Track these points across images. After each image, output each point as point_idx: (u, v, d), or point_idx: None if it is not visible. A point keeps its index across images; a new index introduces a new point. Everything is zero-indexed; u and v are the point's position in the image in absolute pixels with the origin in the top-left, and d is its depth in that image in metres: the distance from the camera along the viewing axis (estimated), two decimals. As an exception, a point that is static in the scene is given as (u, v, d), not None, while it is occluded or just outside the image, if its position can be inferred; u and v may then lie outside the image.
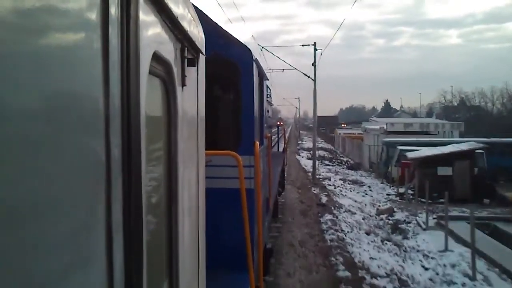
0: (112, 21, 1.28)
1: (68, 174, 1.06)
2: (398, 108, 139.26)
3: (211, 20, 5.98)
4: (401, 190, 22.82)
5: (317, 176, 28.19)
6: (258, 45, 27.63)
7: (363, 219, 17.12)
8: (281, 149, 20.99)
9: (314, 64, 27.52)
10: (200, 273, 2.84)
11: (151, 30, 1.70)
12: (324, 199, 20.33)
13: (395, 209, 18.77)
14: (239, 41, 6.26)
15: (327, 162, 39.63)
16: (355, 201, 20.98)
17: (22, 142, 0.88)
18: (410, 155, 23.58)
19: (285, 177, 22.68)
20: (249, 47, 6.31)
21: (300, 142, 74.67)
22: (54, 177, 0.99)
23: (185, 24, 2.23)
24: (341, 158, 47.35)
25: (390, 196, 22.97)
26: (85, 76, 1.16)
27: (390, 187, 25.78)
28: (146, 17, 1.61)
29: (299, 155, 48.87)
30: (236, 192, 4.90)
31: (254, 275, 5.33)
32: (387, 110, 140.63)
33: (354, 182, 28.22)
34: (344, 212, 17.83)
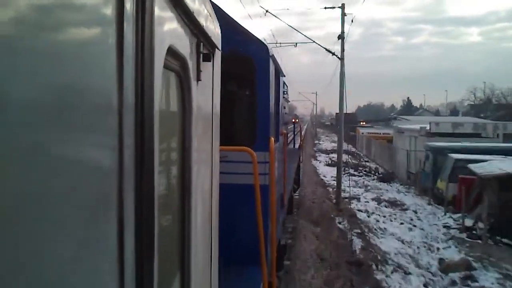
0: (127, 16, 1.29)
1: (81, 168, 1.07)
2: (417, 106, 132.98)
3: (228, 15, 5.98)
4: (468, 221, 15.54)
5: (342, 194, 20.61)
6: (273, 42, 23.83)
7: (425, 286, 10.56)
8: (297, 146, 20.94)
9: (341, 36, 19.87)
10: (213, 268, 2.85)
11: (166, 25, 1.71)
12: (357, 245, 13.27)
13: (472, 264, 11.43)
14: (256, 37, 6.26)
15: (352, 171, 29.50)
16: (402, 242, 14.38)
17: (36, 136, 0.89)
18: (477, 169, 16.28)
19: (300, 181, 19.99)
20: (265, 43, 6.30)
21: (317, 142, 67.61)
22: (66, 170, 1.00)
23: (201, 19, 2.24)
24: (367, 163, 38.86)
25: (451, 231, 15.68)
26: (100, 71, 1.17)
27: (444, 213, 18.39)
28: (162, 11, 1.62)
29: (316, 159, 40.49)
30: (251, 188, 4.91)
31: (267, 271, 5.33)
32: (408, 108, 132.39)
33: (393, 203, 20.83)
34: (393, 272, 11.23)
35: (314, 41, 20.80)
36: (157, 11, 1.51)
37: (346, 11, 20.13)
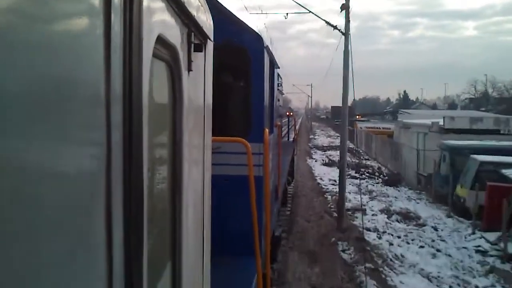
0: (114, 7, 1.27)
1: (66, 162, 1.05)
2: (413, 100, 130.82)
3: (222, 6, 5.95)
4: (511, 247, 12.05)
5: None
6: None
7: None
8: (291, 139, 20.96)
9: (346, 6, 15.73)
10: (205, 259, 2.85)
11: (155, 15, 1.68)
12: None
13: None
14: (250, 28, 6.23)
15: (352, 173, 25.27)
16: (428, 278, 10.95)
17: (18, 129, 0.87)
18: None
19: (292, 186, 18.28)
20: (260, 33, 6.27)
21: (312, 137, 62.18)
22: (53, 164, 0.99)
23: (192, 9, 2.22)
24: (368, 162, 34.46)
25: (488, 259, 12.15)
26: (87, 62, 1.15)
27: (472, 231, 14.53)
28: (151, 1, 1.60)
29: (311, 158, 35.06)
30: (245, 179, 4.90)
31: (262, 262, 5.35)
32: (405, 102, 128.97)
33: (405, 216, 17.05)
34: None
35: (309, 11, 16.88)
36: (145, 1, 1.49)
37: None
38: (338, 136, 45.95)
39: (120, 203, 1.34)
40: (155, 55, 1.70)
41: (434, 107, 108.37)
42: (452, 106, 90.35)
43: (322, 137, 62.76)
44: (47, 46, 0.96)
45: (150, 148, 1.65)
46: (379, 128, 46.61)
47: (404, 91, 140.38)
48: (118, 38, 1.31)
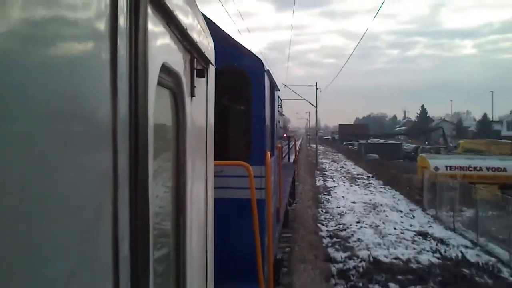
0: (120, 32, 1.29)
1: (75, 185, 1.06)
2: (430, 117, 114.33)
3: (222, 30, 6.02)
4: None
5: None
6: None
7: None
8: (291, 160, 20.96)
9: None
10: (209, 284, 2.82)
11: (160, 41, 1.70)
12: None
13: None
14: (250, 52, 6.30)
15: None
16: None
17: (29, 152, 0.88)
18: None
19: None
20: (260, 57, 6.33)
21: (318, 175, 32.79)
22: (60, 188, 0.99)
23: (194, 35, 2.24)
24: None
25: None
26: (93, 87, 1.16)
27: None
28: (155, 27, 1.62)
29: (324, 236, 14.35)
30: (247, 203, 4.88)
31: (265, 286, 5.28)
32: (423, 119, 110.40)
33: None
34: None
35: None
36: (150, 27, 1.51)
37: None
38: (370, 175, 31.72)
39: (126, 224, 1.33)
40: (159, 83, 1.71)
41: (459, 123, 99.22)
42: (484, 123, 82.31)
43: (335, 173, 35.66)
44: (56, 70, 0.97)
45: (155, 173, 1.66)
46: (481, 170, 22.49)
47: (422, 106, 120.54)
48: (124, 65, 1.32)
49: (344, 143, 72.99)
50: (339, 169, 39.61)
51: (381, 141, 67.72)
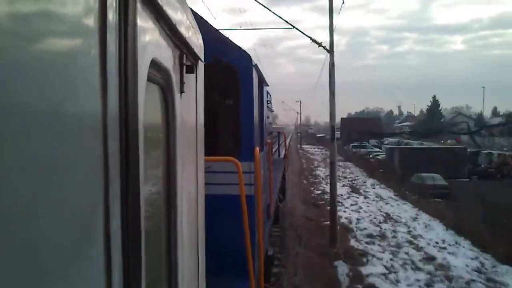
0: (110, 27, 1.28)
1: (65, 182, 1.05)
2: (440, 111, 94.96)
3: (211, 25, 6.00)
4: None
5: None
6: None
7: None
8: (281, 156, 21.03)
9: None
10: (200, 281, 2.82)
11: (149, 37, 1.70)
12: None
13: None
14: (238, 46, 6.28)
15: None
16: None
17: (17, 149, 0.87)
18: None
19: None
20: (248, 52, 6.33)
21: (313, 190, 25.17)
22: (50, 184, 0.99)
23: (183, 31, 2.24)
24: None
25: None
26: (83, 83, 1.15)
27: None
28: (144, 23, 1.61)
29: None
30: (237, 199, 4.89)
31: (255, 283, 5.30)
32: (435, 113, 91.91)
33: None
34: None
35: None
36: (140, 22, 1.51)
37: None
38: (389, 194, 21.59)
39: (118, 222, 1.33)
40: (149, 79, 1.71)
41: (479, 118, 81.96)
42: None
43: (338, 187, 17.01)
44: (45, 65, 0.96)
45: (145, 168, 1.66)
46: None
47: (434, 97, 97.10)
48: (114, 60, 1.31)
49: (352, 145, 50.20)
50: (328, 171, 20.09)
51: (425, 144, 43.85)
